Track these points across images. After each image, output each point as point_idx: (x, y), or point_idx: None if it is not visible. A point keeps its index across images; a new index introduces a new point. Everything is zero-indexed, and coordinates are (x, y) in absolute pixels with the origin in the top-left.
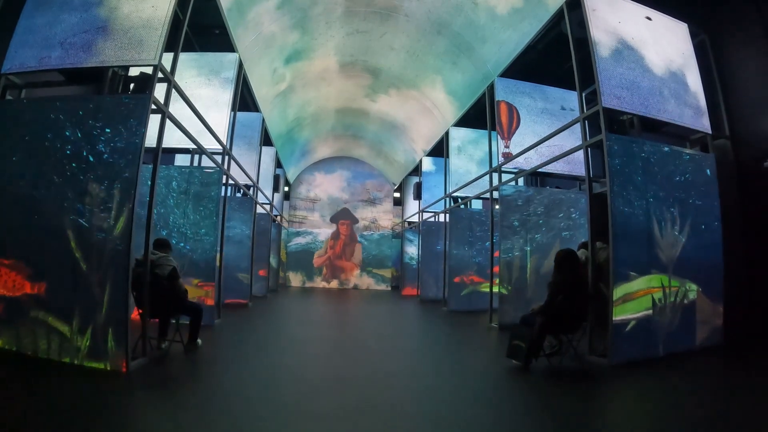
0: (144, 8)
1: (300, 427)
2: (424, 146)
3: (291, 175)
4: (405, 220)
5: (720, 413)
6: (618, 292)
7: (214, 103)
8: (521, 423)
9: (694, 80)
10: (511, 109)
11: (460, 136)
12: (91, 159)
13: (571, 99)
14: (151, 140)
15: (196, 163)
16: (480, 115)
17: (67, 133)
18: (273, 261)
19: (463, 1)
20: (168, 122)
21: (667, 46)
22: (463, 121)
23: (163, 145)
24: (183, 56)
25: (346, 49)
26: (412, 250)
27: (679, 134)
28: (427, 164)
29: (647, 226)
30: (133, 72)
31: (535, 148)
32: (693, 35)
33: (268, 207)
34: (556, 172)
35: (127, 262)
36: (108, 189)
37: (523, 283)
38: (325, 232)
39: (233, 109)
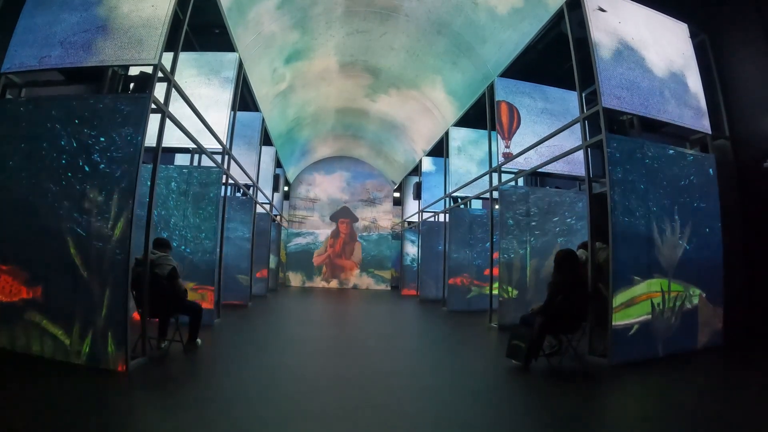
0: (144, 7)
1: (300, 426)
2: (424, 146)
3: (291, 175)
4: (405, 220)
5: (720, 413)
6: (621, 297)
7: (213, 103)
8: (521, 423)
9: (694, 80)
10: (512, 109)
11: (460, 136)
12: (91, 159)
13: (571, 98)
14: (150, 139)
15: (195, 163)
16: (480, 115)
17: (67, 133)
18: (273, 261)
19: (463, 1)
20: (168, 122)
21: (667, 47)
22: (463, 121)
23: (163, 145)
24: (183, 56)
25: (346, 48)
26: (411, 251)
27: (679, 134)
28: (427, 164)
29: (647, 227)
30: (133, 71)
31: (535, 149)
32: (693, 35)
33: (267, 207)
34: (556, 172)
35: (126, 263)
36: (108, 189)
37: (522, 284)
38: (324, 233)
39: (233, 108)
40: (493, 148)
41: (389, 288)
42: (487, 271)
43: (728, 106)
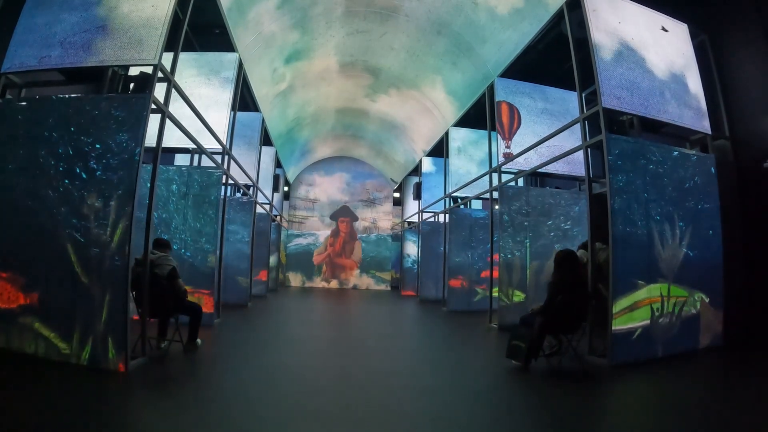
0: (144, 8)
1: (300, 426)
2: (424, 146)
3: (291, 175)
4: (404, 221)
5: (719, 413)
6: (621, 303)
7: (213, 103)
8: (521, 423)
9: (694, 81)
10: (512, 109)
11: (460, 137)
12: (91, 159)
13: (571, 99)
14: (150, 140)
15: (195, 163)
16: (480, 115)
17: (64, 136)
18: (272, 261)
19: (463, 1)
20: (168, 122)
21: (668, 47)
22: (463, 122)
23: (163, 145)
24: (183, 56)
25: (346, 49)
26: (412, 252)
27: (679, 135)
28: (427, 164)
29: (647, 227)
30: (133, 71)
31: (535, 149)
32: (693, 36)
33: (267, 207)
34: (555, 172)
35: (126, 269)
36: (107, 190)
37: (522, 287)
38: (324, 234)
39: (233, 108)
40: (493, 149)
41: (389, 288)
42: (486, 273)
43: (728, 106)
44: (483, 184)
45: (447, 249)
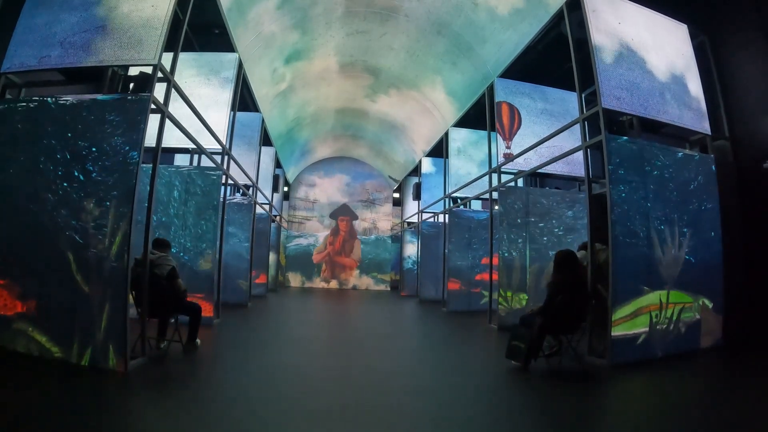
0: (144, 7)
1: (300, 426)
2: (423, 147)
3: (290, 176)
4: (404, 221)
5: (719, 413)
6: (621, 312)
7: (213, 103)
8: (520, 423)
9: (693, 81)
10: (513, 109)
11: (460, 137)
12: (89, 161)
13: (571, 99)
14: (150, 140)
15: (195, 163)
16: (480, 115)
17: (64, 135)
18: (272, 260)
19: (463, 1)
20: (167, 122)
21: (667, 48)
22: (463, 122)
23: (163, 145)
24: (183, 56)
25: (346, 49)
26: (411, 253)
27: (679, 135)
28: (427, 165)
29: (646, 228)
30: (133, 71)
31: (534, 149)
32: (693, 36)
33: (267, 207)
34: (555, 172)
35: (125, 267)
36: (107, 190)
37: (522, 289)
38: (324, 235)
39: (233, 108)
40: (493, 149)
41: (389, 289)
42: (485, 276)
43: (728, 106)
44: (483, 185)
45: (446, 249)
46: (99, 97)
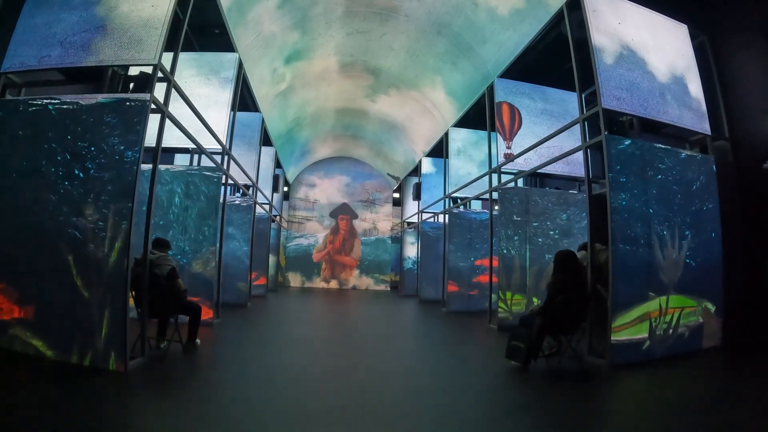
0: (144, 7)
1: (300, 426)
2: (423, 147)
3: (290, 176)
4: (404, 221)
5: (719, 413)
6: (621, 320)
7: (213, 103)
8: (520, 423)
9: (693, 82)
10: (513, 109)
11: (460, 137)
12: (88, 161)
13: (571, 99)
14: (150, 140)
15: (195, 163)
16: (480, 116)
17: (63, 136)
18: (272, 260)
19: (463, 1)
20: (167, 121)
21: (667, 48)
22: (463, 122)
23: (163, 145)
24: (183, 56)
25: (346, 49)
26: (411, 253)
27: (679, 135)
28: (427, 165)
29: (646, 228)
30: (133, 71)
31: (534, 149)
32: (693, 37)
33: (267, 207)
34: (555, 173)
35: (126, 268)
36: (107, 190)
37: (522, 290)
38: (324, 235)
39: (233, 108)
40: (493, 149)
41: (389, 289)
42: (482, 278)
43: (728, 107)
44: (483, 185)
45: (446, 250)
46: (100, 99)
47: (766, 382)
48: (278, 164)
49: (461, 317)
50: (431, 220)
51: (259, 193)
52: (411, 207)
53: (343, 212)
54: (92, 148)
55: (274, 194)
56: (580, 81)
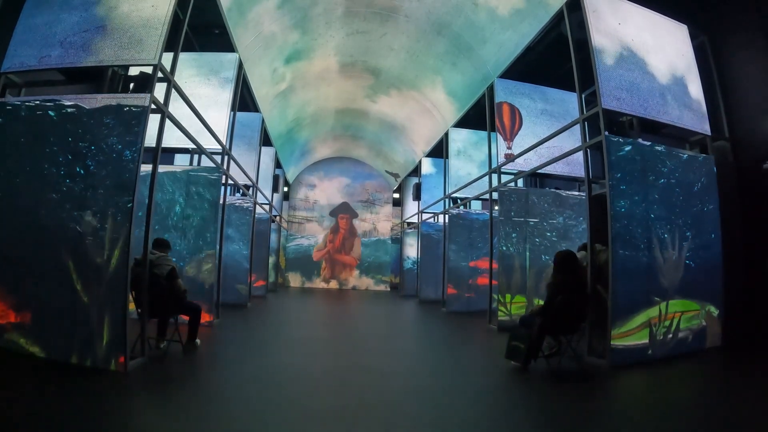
0: (144, 8)
1: (300, 426)
2: (423, 147)
3: (290, 176)
4: (404, 221)
5: (719, 413)
6: (620, 328)
7: (213, 103)
8: (520, 424)
9: (693, 82)
10: (513, 110)
11: (460, 138)
12: (87, 160)
13: (571, 100)
14: (150, 140)
15: (195, 163)
16: (480, 116)
17: (63, 137)
18: (271, 262)
19: (463, 1)
20: (167, 121)
21: (667, 48)
22: (463, 123)
23: (163, 145)
24: (183, 56)
25: (346, 49)
26: (411, 253)
27: (679, 136)
28: (427, 165)
29: (646, 229)
30: (133, 71)
31: (534, 150)
32: (693, 37)
33: (267, 207)
34: (555, 173)
35: (126, 268)
36: (107, 190)
37: (523, 291)
38: (324, 235)
39: (233, 109)
40: (493, 149)
41: (389, 289)
42: (479, 281)
43: (728, 107)
44: (483, 185)
45: (446, 250)
46: (100, 99)
47: (766, 382)
48: (278, 164)
49: (461, 317)
50: (431, 220)
51: (259, 193)
52: (411, 207)
53: (343, 211)
54: (91, 150)
55: (274, 194)
56: (580, 81)
